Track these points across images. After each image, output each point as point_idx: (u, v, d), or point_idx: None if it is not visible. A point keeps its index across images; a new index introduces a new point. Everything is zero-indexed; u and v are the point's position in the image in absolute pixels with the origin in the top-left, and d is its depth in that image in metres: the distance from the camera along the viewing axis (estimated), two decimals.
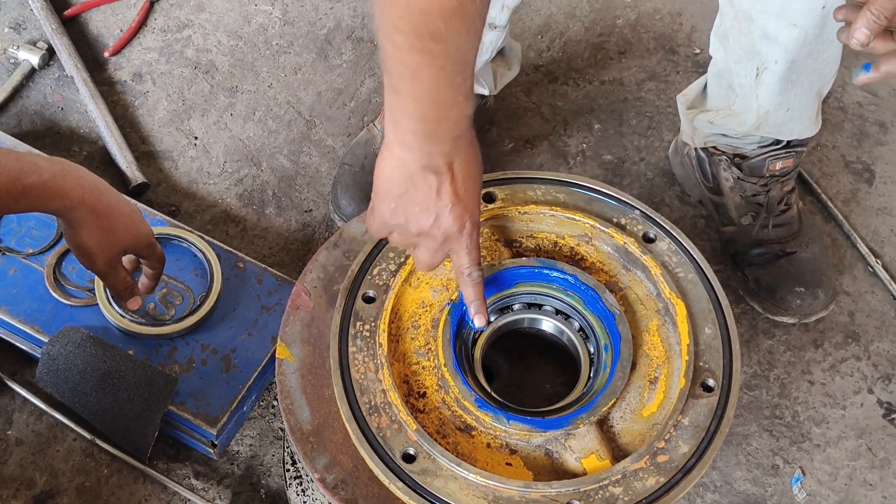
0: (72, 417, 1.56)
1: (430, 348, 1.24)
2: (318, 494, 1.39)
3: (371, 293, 1.25)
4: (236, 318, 1.60)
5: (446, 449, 1.14)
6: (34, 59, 1.93)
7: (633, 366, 1.23)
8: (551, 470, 1.18)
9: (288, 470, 1.50)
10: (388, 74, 1.11)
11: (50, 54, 1.95)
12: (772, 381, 1.71)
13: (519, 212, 1.33)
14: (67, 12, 2.01)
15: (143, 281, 1.52)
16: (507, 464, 1.17)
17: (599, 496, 1.13)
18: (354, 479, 1.22)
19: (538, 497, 1.12)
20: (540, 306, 1.33)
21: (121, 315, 1.56)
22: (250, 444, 1.60)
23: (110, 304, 1.56)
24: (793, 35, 1.50)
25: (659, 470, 1.15)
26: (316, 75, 1.99)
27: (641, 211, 1.34)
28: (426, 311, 1.27)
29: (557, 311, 1.32)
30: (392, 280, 1.26)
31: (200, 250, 1.62)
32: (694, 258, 1.31)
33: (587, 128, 1.96)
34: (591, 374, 1.27)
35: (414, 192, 1.15)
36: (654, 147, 1.93)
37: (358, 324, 1.23)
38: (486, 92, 1.78)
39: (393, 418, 1.16)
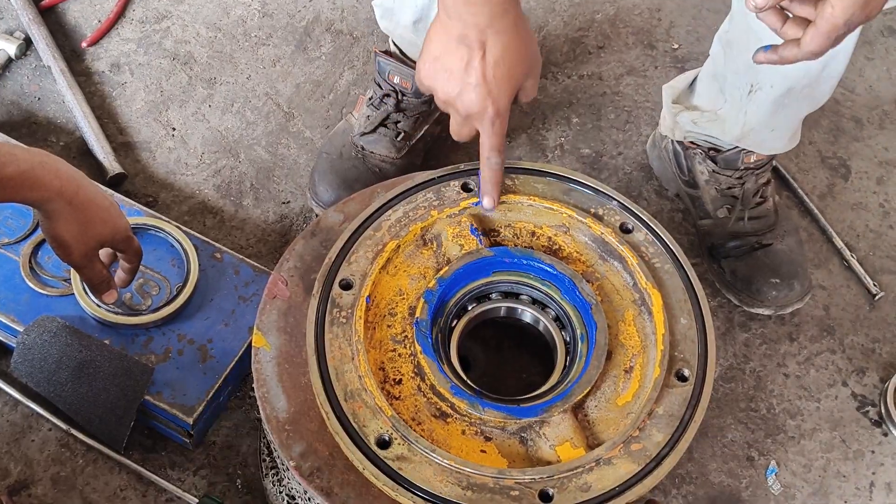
0: (47, 407, 1.55)
1: (406, 336, 1.24)
2: (295, 483, 1.39)
3: (348, 280, 1.25)
4: (213, 308, 1.59)
5: (421, 435, 1.14)
6: (11, 49, 1.92)
7: (609, 355, 1.24)
8: (525, 457, 1.18)
9: (264, 460, 1.50)
10: None
11: (27, 44, 1.94)
12: (747, 374, 1.72)
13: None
14: (45, 2, 2.00)
15: (119, 274, 1.50)
16: (482, 451, 1.17)
17: (573, 483, 1.13)
18: (330, 466, 1.22)
19: (512, 484, 1.12)
20: (517, 295, 1.33)
21: (97, 305, 1.55)
22: (227, 435, 1.59)
23: (86, 293, 1.55)
24: (798, 66, 1.50)
25: (633, 458, 1.16)
26: (295, 67, 1.99)
27: (619, 202, 1.35)
28: (403, 298, 1.27)
29: (534, 301, 1.33)
30: (369, 267, 1.26)
31: (177, 241, 1.62)
32: (670, 249, 1.31)
33: (565, 122, 1.96)
34: (567, 364, 1.28)
35: (446, 59, 1.23)
36: (632, 141, 1.94)
37: (334, 311, 1.23)
38: None
39: (368, 404, 1.16)
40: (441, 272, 1.27)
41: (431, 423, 1.19)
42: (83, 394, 1.50)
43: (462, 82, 1.23)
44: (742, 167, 1.72)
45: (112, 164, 1.80)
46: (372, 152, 1.77)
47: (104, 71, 1.95)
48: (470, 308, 1.32)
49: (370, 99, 1.78)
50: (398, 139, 1.77)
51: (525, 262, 1.29)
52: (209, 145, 1.88)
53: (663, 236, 1.32)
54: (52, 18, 1.99)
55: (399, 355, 1.23)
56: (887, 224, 1.88)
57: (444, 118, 1.67)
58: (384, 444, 1.15)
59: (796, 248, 1.77)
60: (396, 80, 1.74)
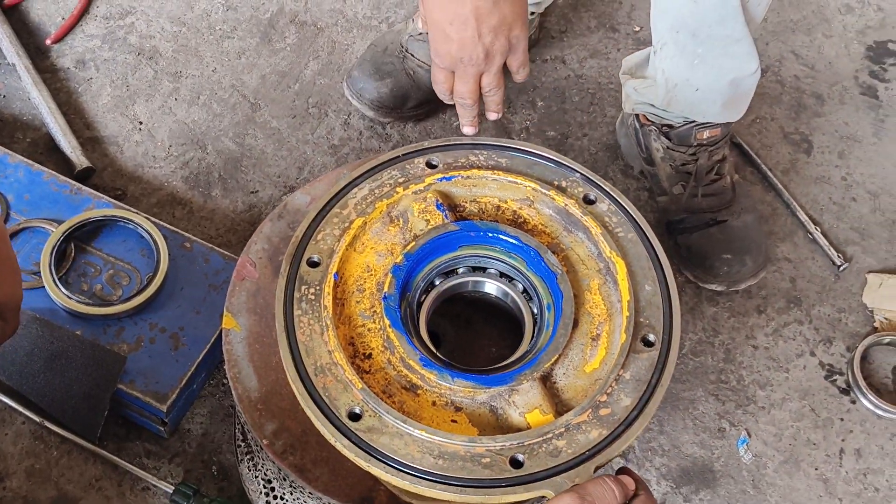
0: (20, 401, 1.55)
1: (374, 311, 1.25)
2: (270, 466, 1.40)
3: (316, 258, 1.26)
4: (184, 297, 1.60)
5: (392, 407, 1.15)
6: None
7: (575, 323, 1.25)
8: (496, 426, 1.19)
9: (239, 446, 1.50)
10: None
11: None
12: (717, 347, 1.74)
13: (462, 176, 1.34)
14: (8, 0, 2.00)
15: None
16: (453, 421, 1.18)
17: (543, 449, 1.14)
18: (303, 444, 1.23)
19: (483, 451, 1.13)
20: (484, 269, 1.34)
21: (67, 296, 1.55)
22: (201, 423, 1.60)
23: (56, 285, 1.56)
24: (680, 5, 1.55)
25: (601, 423, 1.17)
26: (260, 59, 2.00)
27: (582, 174, 1.36)
28: (371, 274, 1.28)
29: (501, 274, 1.34)
30: (336, 244, 1.27)
31: (146, 231, 1.62)
32: (633, 218, 1.33)
33: (530, 105, 1.98)
34: (535, 334, 1.29)
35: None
36: (597, 123, 1.96)
37: (303, 287, 1.23)
38: None
39: (338, 378, 1.17)
40: (408, 247, 1.28)
41: (402, 396, 1.19)
42: (55, 385, 1.51)
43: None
44: (695, 143, 1.75)
45: (80, 159, 1.80)
46: (413, 55, 1.87)
47: (69, 67, 1.95)
48: (438, 283, 1.33)
49: None
50: None
51: (491, 235, 1.30)
52: (176, 138, 1.89)
53: (626, 206, 1.34)
54: (15, 16, 1.99)
55: (368, 330, 1.24)
56: (850, 196, 1.91)
57: None
58: (355, 416, 1.16)
59: (753, 225, 1.78)
60: None
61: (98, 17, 2.02)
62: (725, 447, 1.65)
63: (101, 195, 1.68)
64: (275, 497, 1.42)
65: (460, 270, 1.34)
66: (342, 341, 1.21)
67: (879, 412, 1.68)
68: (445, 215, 1.32)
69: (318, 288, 1.24)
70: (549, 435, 1.15)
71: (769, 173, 1.91)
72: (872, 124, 2.00)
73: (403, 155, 1.36)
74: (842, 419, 1.69)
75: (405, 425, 1.14)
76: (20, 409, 1.56)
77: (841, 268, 1.82)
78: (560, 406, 1.20)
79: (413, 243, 1.28)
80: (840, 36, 2.13)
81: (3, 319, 1.32)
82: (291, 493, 1.37)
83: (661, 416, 1.66)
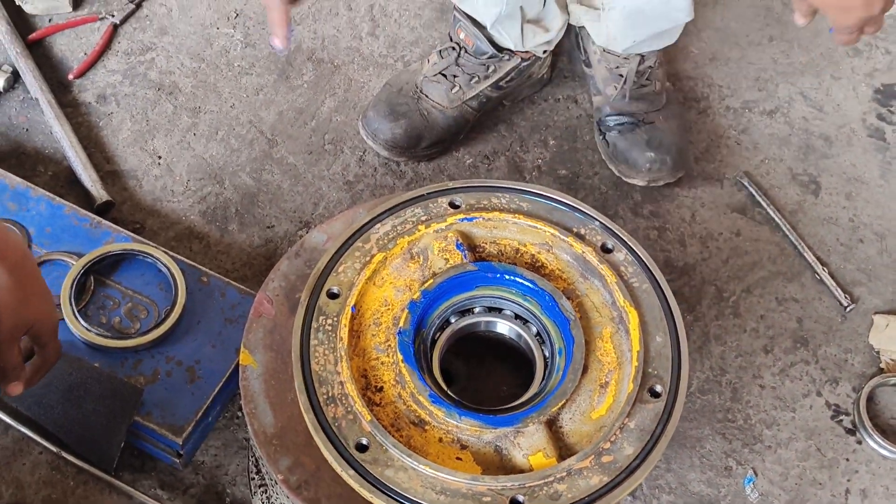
0: (38, 431, 1.58)
1: (389, 345, 1.27)
2: (284, 500, 1.42)
3: (335, 289, 1.29)
4: (200, 330, 1.63)
5: (399, 441, 1.18)
6: None
7: (585, 370, 1.28)
8: (499, 465, 1.21)
9: (253, 478, 1.53)
10: None
11: (15, 77, 1.98)
12: (724, 386, 1.76)
13: (483, 218, 1.37)
14: (32, 36, 2.04)
15: (28, 370, 1.34)
16: (458, 458, 1.21)
17: (544, 492, 1.17)
18: (317, 479, 1.25)
19: (484, 490, 1.16)
20: (499, 310, 1.37)
21: (86, 329, 1.58)
22: (215, 454, 1.62)
23: (76, 317, 1.59)
24: None
25: (603, 469, 1.19)
26: (277, 95, 2.03)
27: (601, 222, 1.39)
28: (388, 309, 1.31)
29: (516, 316, 1.37)
30: (356, 277, 1.30)
31: (165, 265, 1.65)
32: (648, 268, 1.35)
33: (542, 144, 2.01)
34: (545, 376, 1.32)
35: None
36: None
37: (321, 318, 1.26)
38: (511, 45, 1.92)
39: (349, 409, 1.20)
40: (426, 284, 1.31)
41: (410, 430, 1.22)
42: (73, 416, 1.53)
43: None
44: None
45: (99, 192, 1.83)
46: (427, 95, 1.94)
47: (91, 102, 1.99)
48: (453, 321, 1.36)
49: (442, 48, 1.94)
50: (452, 91, 1.92)
51: (508, 277, 1.33)
52: (194, 172, 1.92)
53: (642, 256, 1.36)
54: (39, 52, 2.03)
55: (382, 363, 1.27)
56: (857, 238, 1.93)
57: (505, 85, 1.94)
58: (363, 448, 1.18)
59: (677, 130, 1.95)
60: (462, 35, 1.92)
61: (119, 53, 2.06)
62: (732, 486, 1.67)
63: (121, 229, 1.72)
64: None
65: (476, 310, 1.37)
66: (355, 373, 1.24)
67: (885, 453, 1.70)
68: (465, 255, 1.35)
69: (335, 319, 1.27)
70: (551, 478, 1.18)
71: (776, 214, 1.93)
72: (880, 166, 2.03)
73: (427, 194, 1.39)
74: (847, 459, 1.71)
75: (410, 459, 1.17)
76: (38, 439, 1.58)
77: (848, 308, 1.84)
78: (564, 450, 1.23)
79: (431, 281, 1.32)
80: (848, 78, 2.16)
81: (40, 345, 1.34)
82: None
83: (669, 453, 1.68)
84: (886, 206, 1.98)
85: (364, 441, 1.18)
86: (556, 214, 1.40)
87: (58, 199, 1.74)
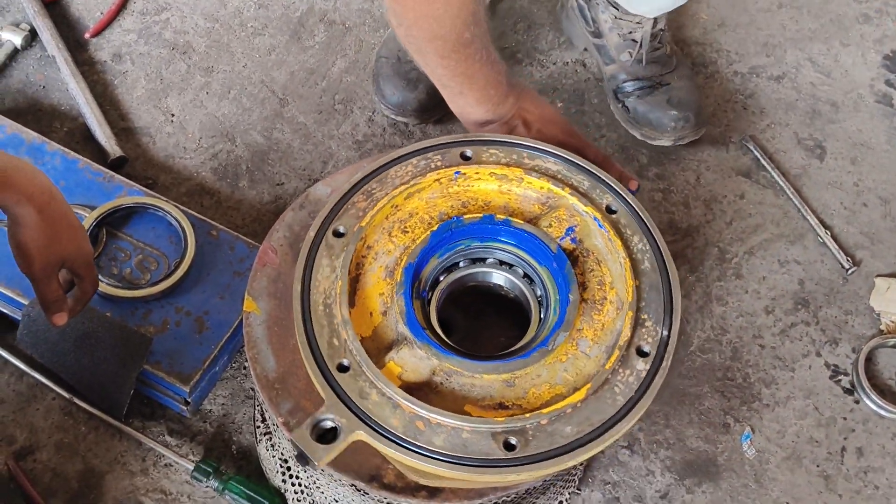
0: (51, 378, 1.62)
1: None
2: (286, 446, 1.46)
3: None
4: (209, 282, 1.66)
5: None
6: (17, 40, 2.00)
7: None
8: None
9: (258, 427, 1.57)
10: (440, 84, 1.49)
11: (32, 35, 2.02)
12: (724, 346, 1.78)
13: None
14: None
15: (70, 301, 1.45)
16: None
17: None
18: None
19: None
20: (456, 265, 1.40)
21: (98, 279, 1.62)
22: (222, 404, 1.66)
23: None
24: None
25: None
26: (289, 56, 2.06)
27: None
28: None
29: (503, 263, 1.39)
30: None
31: (175, 218, 1.69)
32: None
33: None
34: (542, 317, 1.35)
35: None
36: (614, 124, 2.01)
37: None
38: None
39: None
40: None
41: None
42: (85, 364, 1.58)
43: None
44: None
45: (113, 148, 1.87)
46: None
47: (106, 60, 2.03)
48: (441, 279, 1.38)
49: None
50: None
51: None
52: (206, 130, 1.95)
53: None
54: (56, 11, 2.07)
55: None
56: (861, 202, 1.94)
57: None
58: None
59: (693, 88, 1.97)
60: None
61: (135, 13, 2.09)
62: (729, 442, 1.69)
63: (133, 183, 1.75)
64: (290, 476, 1.48)
65: (461, 264, 1.40)
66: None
67: (882, 412, 1.72)
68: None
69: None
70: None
71: (781, 177, 1.95)
72: (886, 132, 2.04)
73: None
74: (845, 418, 1.73)
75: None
76: (52, 385, 1.63)
77: (849, 271, 1.86)
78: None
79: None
80: (857, 45, 2.16)
81: (79, 277, 1.43)
82: (305, 472, 1.44)
83: (668, 410, 1.71)
84: (892, 171, 1.99)
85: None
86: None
87: (72, 153, 1.77)
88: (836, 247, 1.88)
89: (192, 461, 1.58)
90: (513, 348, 1.32)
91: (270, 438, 1.51)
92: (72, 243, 1.39)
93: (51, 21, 2.02)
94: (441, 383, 1.24)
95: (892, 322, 1.80)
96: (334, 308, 1.26)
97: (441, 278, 1.38)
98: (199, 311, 1.64)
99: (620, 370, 1.23)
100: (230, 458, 1.62)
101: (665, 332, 1.26)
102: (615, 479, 1.65)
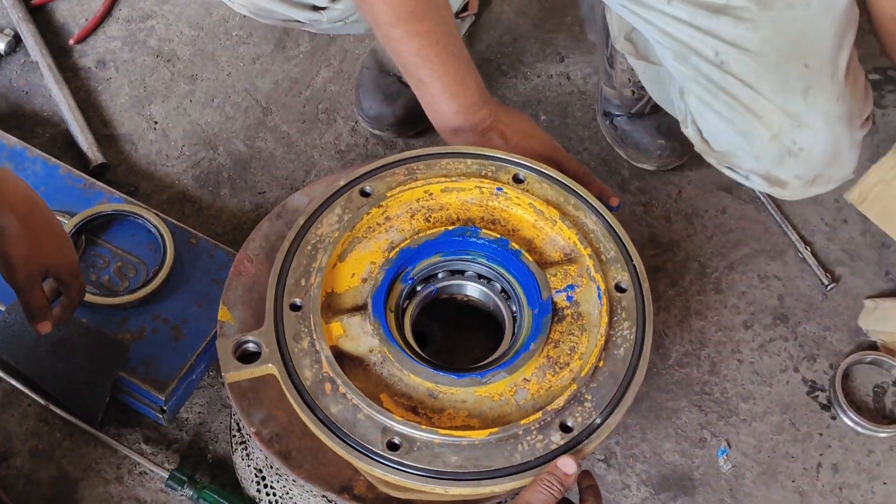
0: (27, 384, 1.62)
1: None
2: (261, 456, 1.46)
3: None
4: (188, 290, 1.66)
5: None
6: (1, 46, 2.00)
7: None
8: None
9: (234, 436, 1.56)
10: (410, 75, 1.43)
11: (16, 41, 2.02)
12: (702, 360, 1.78)
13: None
14: (35, 1, 2.08)
15: (56, 310, 1.45)
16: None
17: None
18: (288, 432, 1.28)
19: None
20: (462, 272, 1.40)
21: (85, 287, 1.61)
22: (199, 412, 1.66)
23: None
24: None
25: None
26: (273, 65, 2.06)
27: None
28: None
29: (480, 276, 1.40)
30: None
31: (154, 226, 1.69)
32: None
33: (534, 119, 2.02)
34: (515, 330, 1.34)
35: None
36: (597, 138, 2.01)
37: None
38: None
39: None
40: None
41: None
42: (60, 370, 1.57)
43: None
44: None
45: (95, 155, 1.87)
46: None
47: (90, 67, 2.03)
48: (419, 289, 1.38)
49: None
50: None
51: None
52: (189, 138, 1.95)
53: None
54: (40, 17, 2.07)
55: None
56: (841, 218, 1.95)
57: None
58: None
59: None
60: None
61: (120, 20, 2.09)
62: (706, 457, 1.69)
63: (114, 191, 1.75)
64: (265, 486, 1.48)
65: (440, 275, 1.40)
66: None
67: (859, 429, 1.72)
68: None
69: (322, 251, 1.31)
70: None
71: (762, 193, 1.95)
72: (868, 149, 2.03)
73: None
74: (821, 434, 1.73)
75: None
76: (27, 391, 1.62)
77: (829, 287, 1.86)
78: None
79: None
80: None
81: (65, 285, 1.42)
82: (278, 482, 1.43)
83: (645, 423, 1.71)
84: None
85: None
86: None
87: (53, 159, 1.77)
88: (816, 263, 1.88)
89: (168, 469, 1.58)
90: (479, 364, 1.32)
91: (245, 448, 1.51)
92: (56, 252, 1.39)
93: (35, 27, 2.02)
94: (372, 364, 1.26)
95: (882, 341, 1.80)
96: (319, 253, 1.29)
97: (440, 275, 1.39)
98: (177, 318, 1.63)
99: (535, 432, 1.19)
100: (206, 466, 1.62)
101: (598, 421, 1.21)
102: None
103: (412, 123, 1.94)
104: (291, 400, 1.21)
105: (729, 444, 1.71)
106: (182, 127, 1.97)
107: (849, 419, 1.73)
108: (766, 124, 1.50)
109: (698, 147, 1.63)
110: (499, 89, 2.06)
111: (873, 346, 1.80)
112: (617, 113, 1.96)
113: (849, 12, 1.50)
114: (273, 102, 2.01)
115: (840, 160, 1.57)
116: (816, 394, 1.77)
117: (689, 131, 1.63)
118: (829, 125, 1.50)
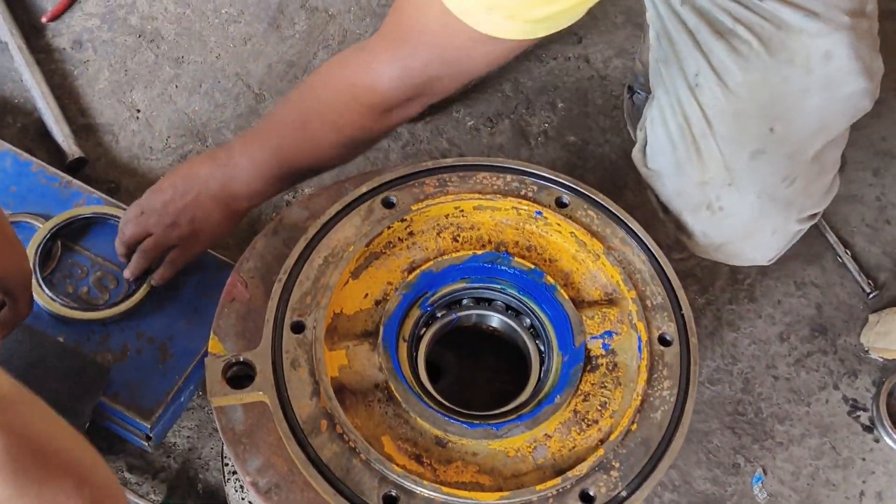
0: None
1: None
2: None
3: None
4: (174, 304, 1.52)
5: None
6: None
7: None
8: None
9: (227, 464, 1.44)
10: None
11: None
12: (735, 376, 1.65)
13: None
14: None
15: None
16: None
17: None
18: (289, 483, 1.15)
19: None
20: (490, 301, 1.26)
21: (51, 298, 1.48)
22: (188, 436, 1.53)
23: (40, 286, 1.48)
24: None
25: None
26: (267, 46, 1.91)
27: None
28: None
29: (508, 307, 1.26)
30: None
31: None
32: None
33: (550, 107, 1.88)
34: (542, 375, 1.21)
35: None
36: (620, 128, 1.86)
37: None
38: None
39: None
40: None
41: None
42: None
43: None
44: None
45: (72, 148, 1.73)
46: None
47: (65, 48, 1.88)
48: (439, 315, 1.25)
49: None
50: None
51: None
52: (175, 128, 1.81)
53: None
54: None
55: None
56: (884, 218, 1.81)
57: None
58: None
59: None
60: None
61: None
62: (739, 484, 1.57)
63: (92, 190, 1.61)
64: None
65: (464, 302, 1.27)
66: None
67: None
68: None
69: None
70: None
71: None
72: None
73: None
74: (864, 459, 1.60)
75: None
76: None
77: (871, 295, 1.73)
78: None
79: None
80: (881, 44, 2.01)
81: (12, 298, 1.29)
82: None
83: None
84: None
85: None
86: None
87: (25, 154, 1.63)
88: (857, 268, 1.75)
89: (154, 501, 1.46)
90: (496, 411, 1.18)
91: (239, 479, 1.39)
92: (9, 261, 1.26)
93: (3, 3, 1.87)
94: (375, 402, 1.14)
95: (882, 358, 1.67)
96: (331, 268, 1.19)
97: (464, 302, 1.26)
98: (163, 336, 1.49)
99: (551, 500, 1.07)
100: (195, 497, 1.50)
101: (623, 494, 1.08)
102: None
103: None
104: (282, 435, 1.10)
105: (764, 471, 1.58)
106: (167, 116, 1.82)
107: (893, 442, 1.61)
108: (703, 167, 1.33)
109: (634, 154, 1.46)
110: (511, 73, 1.90)
111: None
112: (639, 90, 1.82)
113: (853, 102, 1.36)
114: (267, 88, 1.87)
115: (756, 241, 1.39)
116: (858, 413, 1.64)
117: (640, 134, 1.47)
118: (760, 199, 1.33)
